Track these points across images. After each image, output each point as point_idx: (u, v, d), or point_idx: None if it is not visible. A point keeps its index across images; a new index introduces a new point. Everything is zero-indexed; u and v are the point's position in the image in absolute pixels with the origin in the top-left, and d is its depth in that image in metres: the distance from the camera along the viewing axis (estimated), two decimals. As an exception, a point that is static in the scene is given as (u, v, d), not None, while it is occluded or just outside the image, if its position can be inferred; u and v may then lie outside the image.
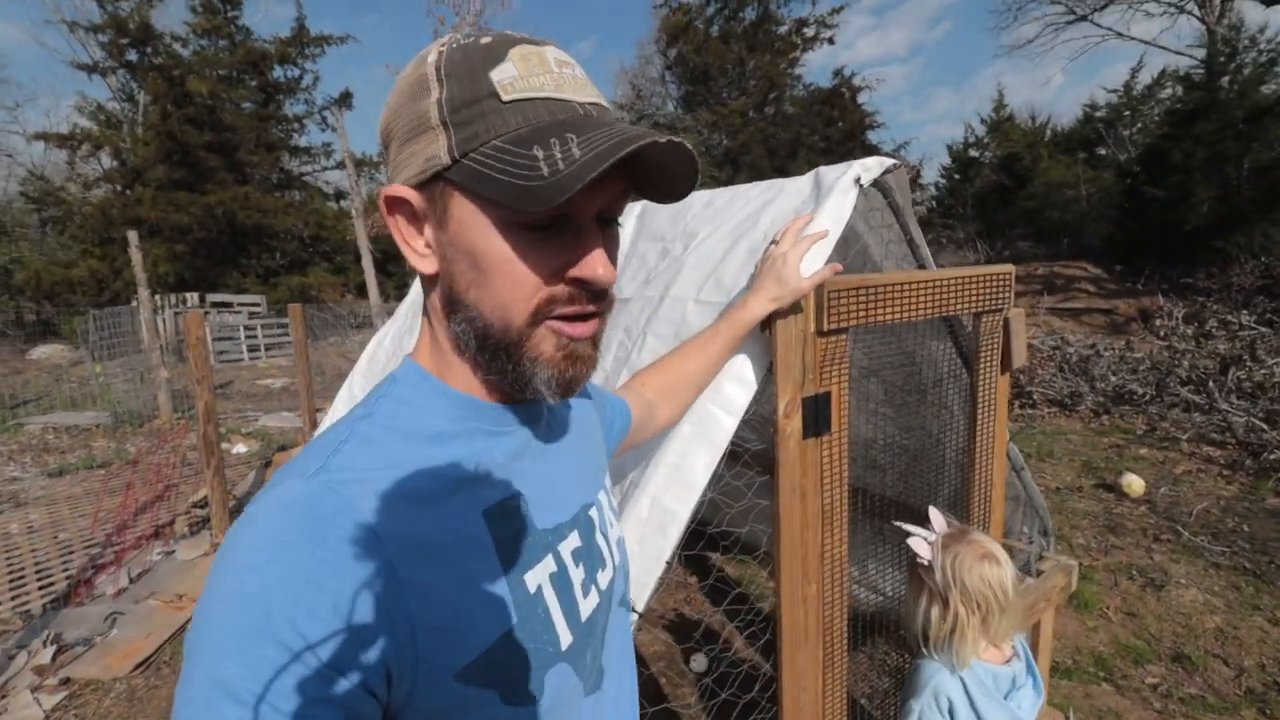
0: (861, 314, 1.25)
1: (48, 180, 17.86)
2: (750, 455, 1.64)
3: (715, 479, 1.20)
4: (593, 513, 0.68)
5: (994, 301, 1.53)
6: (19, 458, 6.24)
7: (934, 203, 22.25)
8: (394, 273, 16.62)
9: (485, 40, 0.53)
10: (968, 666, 1.34)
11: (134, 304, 11.00)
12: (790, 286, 1.06)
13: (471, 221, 0.53)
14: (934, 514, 1.45)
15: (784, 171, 17.81)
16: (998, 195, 19.05)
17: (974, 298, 1.48)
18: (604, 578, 0.67)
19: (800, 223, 1.13)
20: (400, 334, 2.24)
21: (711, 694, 2.45)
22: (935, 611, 1.34)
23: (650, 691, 2.50)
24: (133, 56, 16.21)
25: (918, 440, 2.23)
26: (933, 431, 2.11)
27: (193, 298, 13.96)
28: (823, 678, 1.32)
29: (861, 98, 18.96)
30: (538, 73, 0.51)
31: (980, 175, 20.27)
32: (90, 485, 5.34)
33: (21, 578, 3.71)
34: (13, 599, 3.47)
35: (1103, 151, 17.78)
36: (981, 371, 1.60)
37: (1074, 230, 16.88)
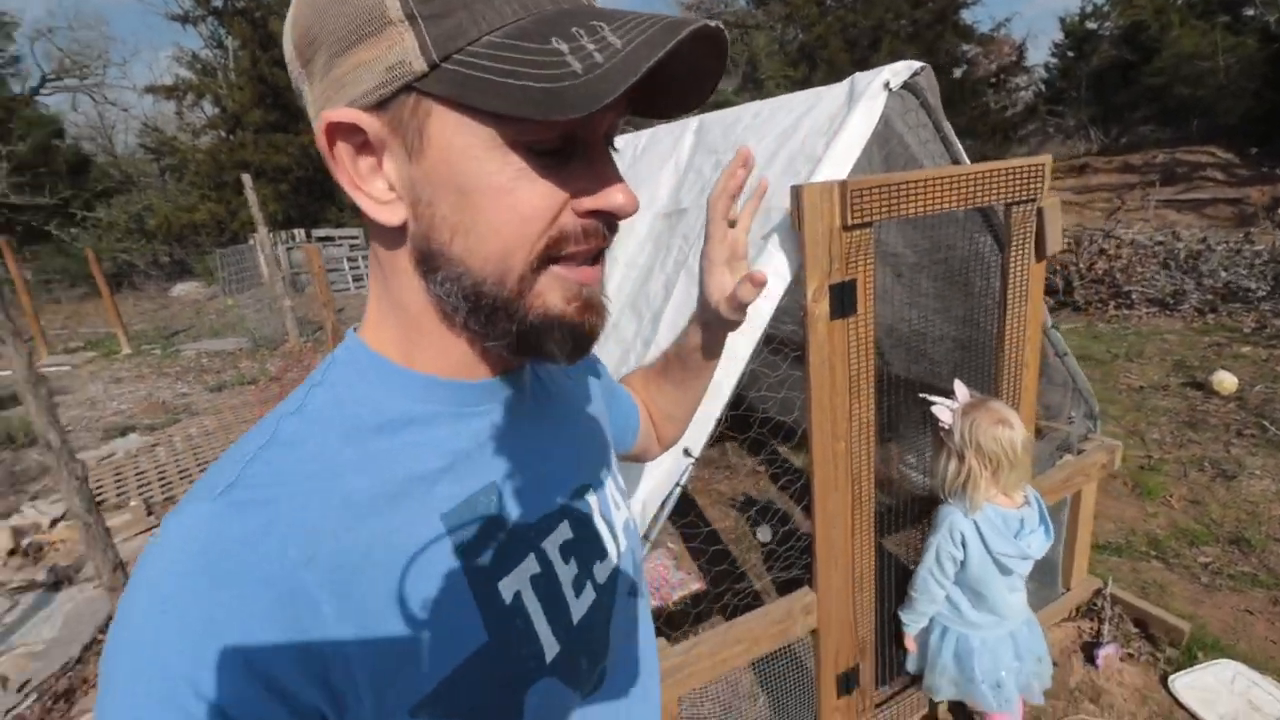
0: (884, 209, 1.42)
1: (160, 130, 19.38)
2: (785, 337, 1.87)
3: (755, 355, 1.46)
4: (590, 496, 0.60)
5: (1025, 192, 1.64)
6: (184, 377, 7.36)
7: (1041, 86, 20.09)
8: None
9: None
10: (980, 510, 1.58)
11: (252, 241, 12.11)
12: (711, 312, 0.72)
13: (461, 145, 0.41)
14: (959, 386, 1.65)
15: (865, 64, 16.44)
16: (1117, 73, 16.97)
17: (1003, 189, 1.60)
18: (603, 570, 0.58)
19: (726, 181, 0.67)
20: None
21: (772, 556, 2.80)
22: (953, 465, 1.59)
23: (722, 559, 2.88)
24: (218, 2, 16.93)
25: (965, 331, 2.36)
26: (979, 322, 2.24)
27: (299, 234, 15.12)
28: (851, 519, 1.60)
29: (956, -29, 17.01)
30: None
31: (1098, 51, 18.02)
32: (245, 398, 6.29)
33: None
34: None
35: (1250, 12, 15.32)
36: (1013, 258, 1.73)
37: (1206, 109, 14.91)
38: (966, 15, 16.87)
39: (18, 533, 3.77)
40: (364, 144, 0.42)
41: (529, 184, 0.42)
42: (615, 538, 0.61)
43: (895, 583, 2.49)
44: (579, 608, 0.54)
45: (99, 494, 4.20)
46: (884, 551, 2.75)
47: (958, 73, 17.25)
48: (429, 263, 0.45)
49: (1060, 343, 2.09)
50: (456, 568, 0.46)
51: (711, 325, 0.74)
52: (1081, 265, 6.41)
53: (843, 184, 1.34)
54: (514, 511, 0.51)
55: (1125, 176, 12.06)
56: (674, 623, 2.26)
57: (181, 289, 14.48)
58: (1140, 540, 2.78)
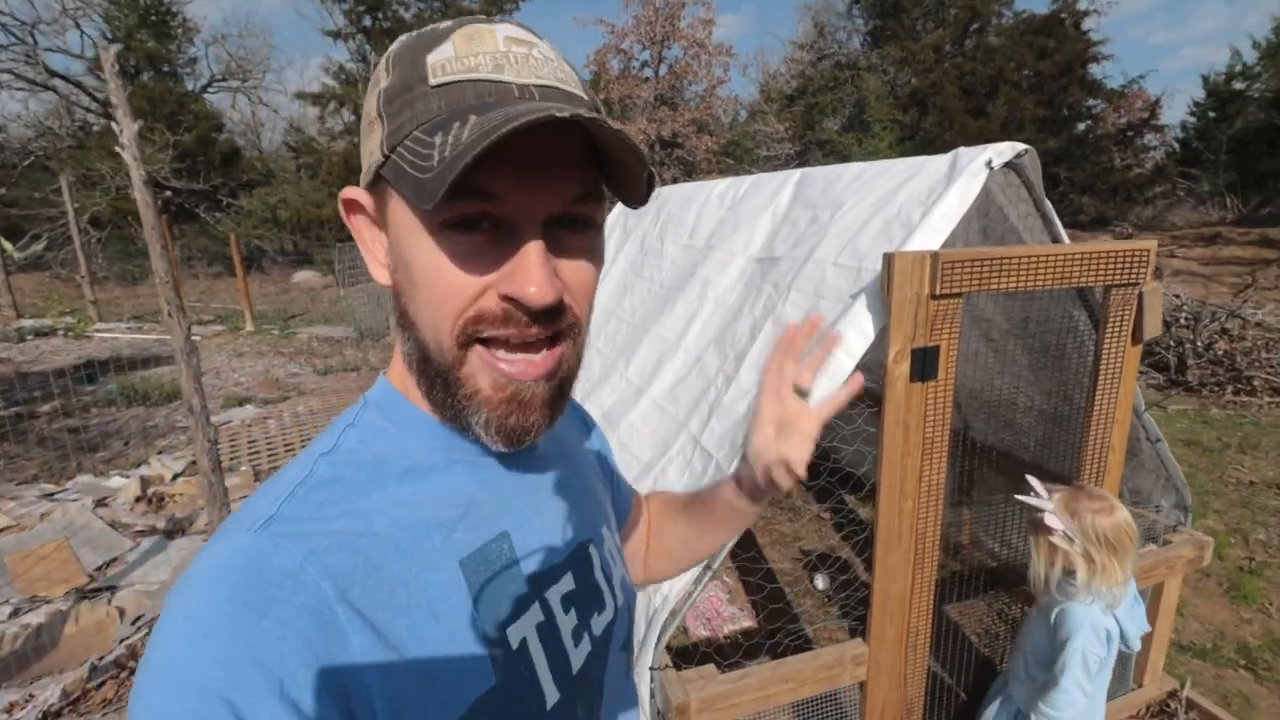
0: (975, 282, 1.47)
1: (303, 131, 21.35)
2: (863, 391, 1.92)
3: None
4: (591, 550, 0.62)
5: (1125, 275, 1.64)
6: (296, 358, 8.07)
7: (1175, 146, 18.79)
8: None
9: (447, 23, 0.47)
10: (1120, 604, 1.50)
11: (366, 239, 13.07)
12: (747, 469, 0.69)
13: (405, 223, 0.46)
14: (1033, 482, 1.59)
15: (979, 114, 16.12)
16: (1264, 139, 15.66)
17: (1102, 272, 1.61)
18: (600, 622, 0.60)
19: (783, 351, 0.67)
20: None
21: (827, 604, 2.80)
22: (1081, 566, 1.47)
23: (777, 600, 2.91)
24: (367, 22, 18.58)
25: (1053, 404, 2.32)
26: (1070, 396, 2.21)
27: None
28: (912, 576, 1.63)
29: (1088, 23, 16.33)
30: (476, 52, 0.44)
31: (1243, 113, 16.71)
32: (347, 384, 6.85)
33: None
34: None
35: None
36: (1108, 340, 1.72)
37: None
38: (1096, 70, 16.11)
39: (145, 482, 4.25)
40: (368, 218, 0.51)
41: (449, 263, 0.45)
42: (613, 592, 0.63)
43: (952, 650, 2.45)
44: (578, 657, 0.56)
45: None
46: (945, 617, 2.71)
47: (1080, 127, 16.45)
48: (402, 321, 0.50)
49: (1153, 428, 2.03)
50: (471, 613, 0.48)
51: (743, 484, 0.70)
52: (1199, 343, 5.97)
53: (935, 254, 1.41)
54: (523, 560, 0.53)
55: (1262, 251, 11.07)
56: (723, 654, 2.32)
57: (301, 277, 15.82)
58: (1229, 646, 2.59)
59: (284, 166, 20.83)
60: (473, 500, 0.52)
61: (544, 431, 0.51)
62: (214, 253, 16.91)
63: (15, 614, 2.92)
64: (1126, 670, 2.19)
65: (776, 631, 2.44)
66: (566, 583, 0.57)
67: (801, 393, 0.66)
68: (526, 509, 0.56)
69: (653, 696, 1.52)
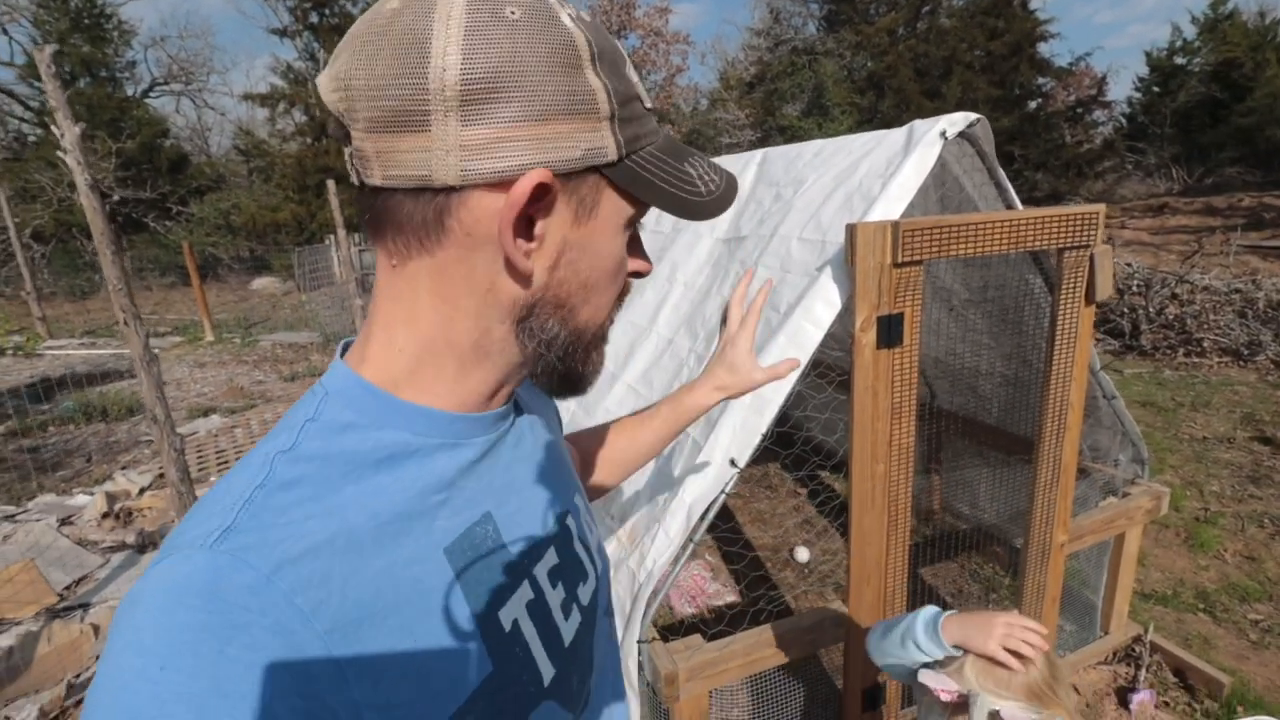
0: (934, 249, 1.51)
1: (252, 134, 20.75)
2: (832, 362, 1.97)
3: (803, 376, 1.57)
4: (569, 521, 0.62)
5: (1077, 238, 1.71)
6: (260, 366, 7.88)
7: (1122, 122, 19.39)
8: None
9: (596, 22, 0.48)
10: None
11: (328, 242, 12.82)
12: (742, 376, 0.92)
13: (610, 221, 0.49)
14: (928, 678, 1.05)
15: (935, 95, 16.40)
16: (1205, 111, 16.32)
17: (1056, 235, 1.67)
18: (585, 592, 0.61)
19: (741, 288, 0.93)
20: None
21: (808, 576, 2.87)
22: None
23: (759, 575, 2.96)
24: (315, 18, 18.09)
25: (1014, 368, 2.41)
26: (1029, 359, 2.29)
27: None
28: (886, 538, 1.68)
29: (1034, 3, 16.72)
30: (637, 78, 0.50)
31: (1185, 88, 17.35)
32: (313, 389, 6.69)
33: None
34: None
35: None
36: (1063, 301, 1.79)
37: (1302, 152, 14.16)
38: (1044, 49, 16.52)
39: (110, 498, 4.14)
40: (537, 203, 0.44)
41: (625, 253, 0.52)
42: (593, 559, 0.64)
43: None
44: (568, 630, 0.56)
45: (184, 467, 4.58)
46: (920, 579, 2.79)
47: (1032, 105, 16.87)
48: (535, 309, 0.48)
49: (1109, 385, 2.12)
50: (461, 602, 0.47)
51: (730, 390, 0.92)
52: (1151, 309, 6.22)
53: (895, 224, 1.45)
54: (508, 540, 0.53)
55: (1206, 219, 11.54)
56: (709, 627, 2.36)
57: (260, 283, 15.41)
58: (1188, 592, 2.73)
59: (235, 171, 20.26)
60: (454, 484, 0.50)
61: None
62: (166, 262, 16.39)
63: (-19, 640, 2.82)
64: (1093, 618, 2.29)
65: (759, 599, 2.49)
66: (551, 557, 0.57)
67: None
68: (506, 487, 0.55)
69: (641, 669, 1.54)
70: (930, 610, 1.09)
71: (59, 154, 2.71)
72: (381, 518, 0.44)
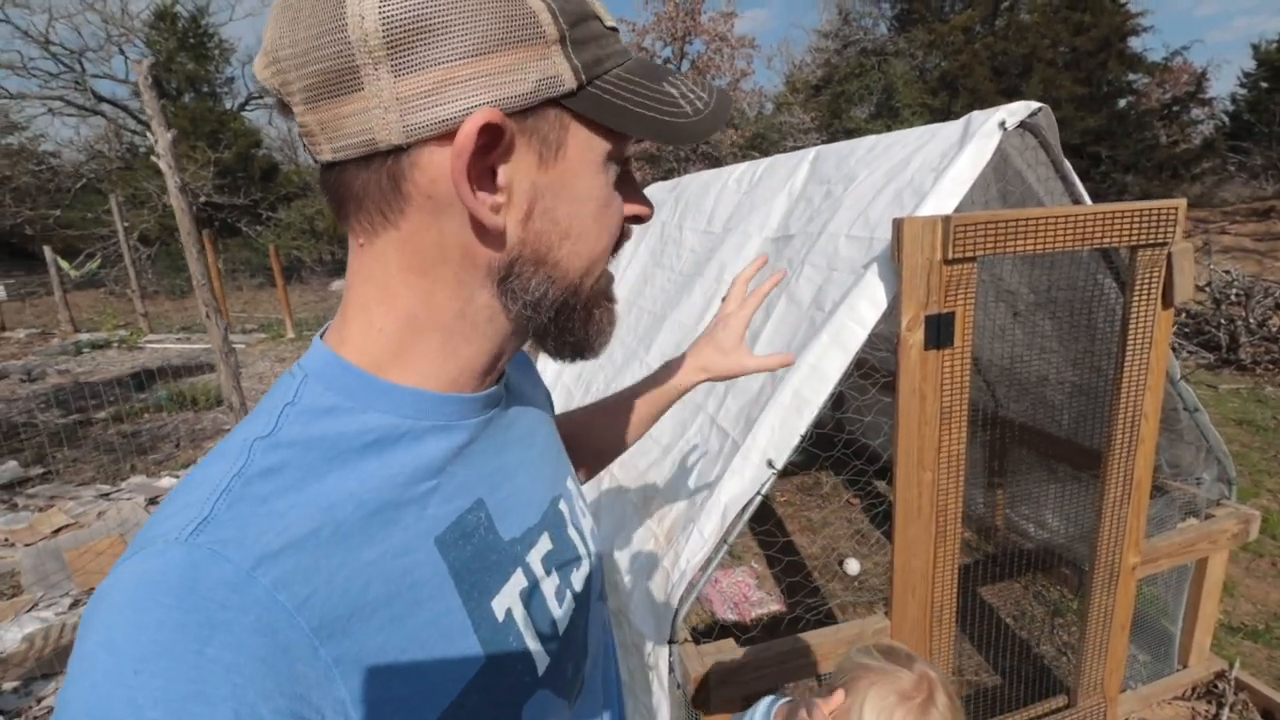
0: (990, 245, 1.44)
1: (335, 144, 21.88)
2: (877, 361, 1.89)
3: (845, 377, 1.52)
4: (562, 505, 0.60)
5: (1152, 235, 1.58)
6: (332, 362, 8.30)
7: (1224, 120, 17.91)
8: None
9: None
10: None
11: (398, 246, 13.38)
12: (731, 360, 0.85)
13: (587, 159, 0.44)
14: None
15: (1013, 94, 15.61)
16: (1322, 107, 14.83)
17: (1126, 232, 1.56)
18: (579, 578, 0.59)
19: (748, 275, 0.88)
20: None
21: (857, 589, 2.77)
22: None
23: (805, 585, 2.88)
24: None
25: (1086, 376, 2.26)
26: (1103, 368, 2.15)
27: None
28: (934, 550, 1.60)
29: (1127, -4, 15.68)
30: None
31: (1299, 82, 15.85)
32: (379, 385, 6.98)
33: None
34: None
35: None
36: (1135, 304, 1.66)
37: None
38: (1135, 43, 15.48)
39: (196, 480, 4.44)
40: (490, 147, 0.40)
41: (614, 193, 0.47)
42: (586, 544, 0.61)
43: (988, 632, 2.39)
44: (562, 617, 0.54)
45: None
46: (978, 599, 2.65)
47: (1122, 103, 15.83)
48: (514, 268, 0.44)
49: (1191, 397, 1.95)
50: (453, 593, 0.44)
51: (714, 372, 0.86)
52: (1252, 320, 5.70)
53: (946, 218, 1.38)
54: (501, 528, 0.50)
55: (1323, 224, 10.50)
56: (745, 631, 2.31)
57: (339, 285, 16.26)
58: (1286, 629, 2.48)
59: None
60: (444, 469, 0.47)
61: None
62: (256, 265, 17.49)
63: (75, 605, 3.08)
64: (1170, 649, 2.11)
65: (801, 607, 2.42)
66: (544, 543, 0.55)
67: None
68: (498, 471, 0.52)
69: (672, 670, 1.52)
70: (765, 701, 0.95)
71: (153, 158, 2.94)
72: (369, 506, 0.41)
